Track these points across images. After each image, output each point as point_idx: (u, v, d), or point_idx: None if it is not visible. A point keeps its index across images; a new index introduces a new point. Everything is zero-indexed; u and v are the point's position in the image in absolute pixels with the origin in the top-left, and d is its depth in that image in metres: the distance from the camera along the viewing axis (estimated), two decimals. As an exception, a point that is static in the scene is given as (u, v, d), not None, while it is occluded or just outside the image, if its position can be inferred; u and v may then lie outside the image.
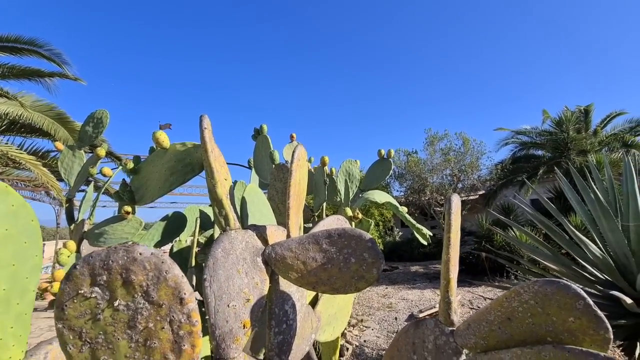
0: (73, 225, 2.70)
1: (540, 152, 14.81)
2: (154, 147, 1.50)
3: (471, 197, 13.32)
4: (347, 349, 4.84)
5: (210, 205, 3.24)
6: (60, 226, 9.89)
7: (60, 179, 6.46)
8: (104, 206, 9.91)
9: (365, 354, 4.83)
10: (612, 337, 0.67)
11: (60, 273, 2.02)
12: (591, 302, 0.68)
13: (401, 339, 1.03)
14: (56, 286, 2.05)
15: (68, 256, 2.12)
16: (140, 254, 0.40)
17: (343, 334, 5.08)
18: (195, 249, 2.40)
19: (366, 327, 6.18)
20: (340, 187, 2.59)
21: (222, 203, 1.06)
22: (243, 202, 1.42)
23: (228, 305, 0.96)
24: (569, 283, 0.71)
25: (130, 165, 1.47)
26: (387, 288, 9.64)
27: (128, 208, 2.39)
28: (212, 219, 2.98)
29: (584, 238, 3.10)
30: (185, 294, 0.42)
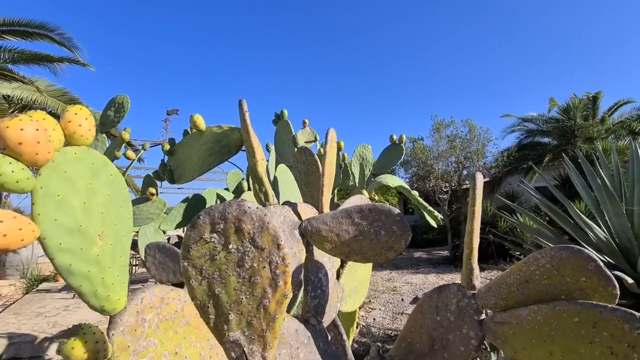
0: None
1: (546, 140, 14.76)
2: (188, 130, 1.59)
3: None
4: (357, 326, 5.03)
5: (226, 189, 3.35)
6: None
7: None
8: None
9: (372, 333, 5.03)
10: (618, 293, 0.78)
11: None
12: (601, 264, 0.78)
13: (425, 303, 1.15)
14: None
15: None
16: (249, 207, 0.50)
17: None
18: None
19: (372, 308, 6.38)
20: (355, 170, 2.68)
21: (262, 180, 1.16)
22: (275, 180, 1.51)
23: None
24: (582, 248, 0.81)
25: (167, 147, 1.56)
26: (391, 273, 9.85)
27: (153, 190, 2.51)
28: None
29: (588, 221, 3.20)
30: (281, 241, 0.52)
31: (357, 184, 2.80)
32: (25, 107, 5.90)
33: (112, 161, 2.60)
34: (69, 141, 0.62)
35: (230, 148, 1.35)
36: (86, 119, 0.60)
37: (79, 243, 0.58)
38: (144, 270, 9.67)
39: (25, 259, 9.23)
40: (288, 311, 1.32)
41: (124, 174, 2.76)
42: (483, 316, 0.99)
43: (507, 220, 10.03)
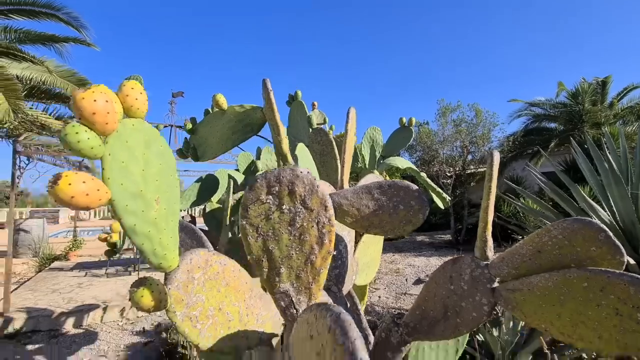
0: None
1: (552, 125, 14.63)
2: (209, 109, 1.63)
3: (480, 170, 13.40)
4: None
5: (237, 170, 3.41)
6: (79, 191, 10.21)
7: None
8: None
9: (376, 311, 5.19)
10: (625, 260, 0.84)
11: (117, 225, 2.25)
12: (611, 234, 0.84)
13: (439, 274, 1.22)
14: (115, 236, 2.28)
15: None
16: (301, 172, 0.56)
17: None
18: (230, 208, 2.59)
19: (376, 288, 6.54)
20: (365, 152, 2.72)
21: (287, 157, 1.21)
22: (295, 158, 1.57)
23: (297, 242, 1.14)
24: (592, 220, 0.87)
25: (189, 125, 1.61)
26: (394, 255, 10.02)
27: (169, 169, 2.58)
28: (240, 182, 3.15)
29: (593, 204, 3.24)
30: (328, 203, 0.58)
31: (367, 166, 2.85)
32: (33, 87, 5.92)
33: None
34: (126, 113, 0.67)
35: (252, 127, 1.40)
36: (141, 93, 0.65)
37: (141, 206, 0.64)
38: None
39: (37, 238, 9.45)
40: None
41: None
42: (495, 284, 1.06)
43: (510, 204, 10.11)
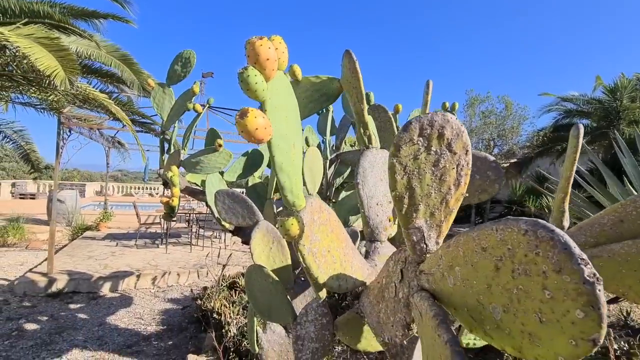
0: (167, 155, 3.06)
1: (584, 122, 14.08)
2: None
3: (503, 165, 13.14)
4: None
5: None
6: (109, 165, 10.62)
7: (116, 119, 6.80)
8: (148, 150, 10.47)
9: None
10: None
11: (177, 190, 2.38)
12: None
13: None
14: (175, 201, 2.42)
15: (172, 175, 2.47)
16: (451, 118, 0.62)
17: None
18: (274, 184, 2.68)
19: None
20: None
21: (368, 125, 1.28)
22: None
23: (377, 204, 1.22)
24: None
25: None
26: (412, 244, 10.04)
27: (220, 141, 2.69)
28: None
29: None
30: (469, 148, 0.65)
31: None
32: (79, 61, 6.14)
33: (183, 113, 2.77)
34: (272, 65, 0.75)
35: (328, 97, 1.46)
36: (285, 49, 0.72)
37: (285, 147, 0.72)
38: (180, 225, 10.23)
39: (70, 208, 9.94)
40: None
41: (192, 127, 2.94)
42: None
43: (536, 201, 9.92)
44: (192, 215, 9.02)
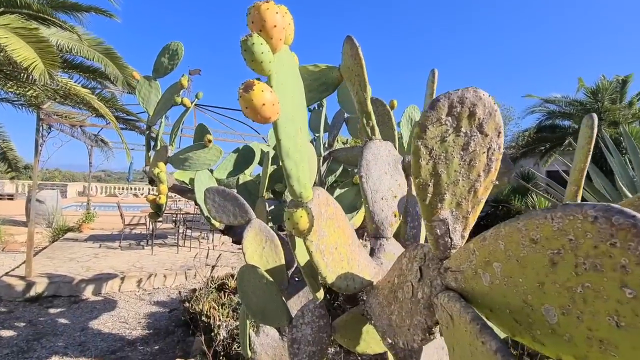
0: (153, 152, 2.92)
1: (566, 123, 14.44)
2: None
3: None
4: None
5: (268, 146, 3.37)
6: (92, 165, 10.28)
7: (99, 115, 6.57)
8: (133, 149, 10.19)
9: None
10: None
11: (164, 187, 2.26)
12: None
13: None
14: (163, 198, 2.30)
15: (159, 172, 2.35)
16: (483, 94, 0.55)
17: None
18: (267, 181, 2.59)
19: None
20: (404, 132, 2.71)
21: (371, 115, 1.21)
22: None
23: (382, 198, 1.14)
24: None
25: (255, 85, 1.60)
26: (402, 244, 10.05)
27: (210, 137, 2.58)
28: (271, 157, 3.14)
29: (628, 193, 3.23)
30: (502, 129, 0.58)
31: (405, 146, 2.83)
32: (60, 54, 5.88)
33: (170, 107, 2.65)
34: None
35: (328, 86, 1.39)
36: (292, 20, 0.64)
37: (292, 131, 0.64)
38: (166, 226, 9.98)
39: (50, 209, 9.56)
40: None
41: (180, 122, 2.82)
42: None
43: (521, 200, 10.11)
44: (179, 215, 8.80)
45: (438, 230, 0.62)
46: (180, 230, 8.45)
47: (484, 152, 0.57)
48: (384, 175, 1.17)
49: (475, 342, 0.44)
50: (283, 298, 1.77)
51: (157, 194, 2.19)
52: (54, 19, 4.05)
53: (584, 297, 0.37)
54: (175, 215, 8.85)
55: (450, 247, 0.62)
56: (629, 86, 13.14)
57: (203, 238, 8.84)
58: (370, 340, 1.60)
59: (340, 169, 3.30)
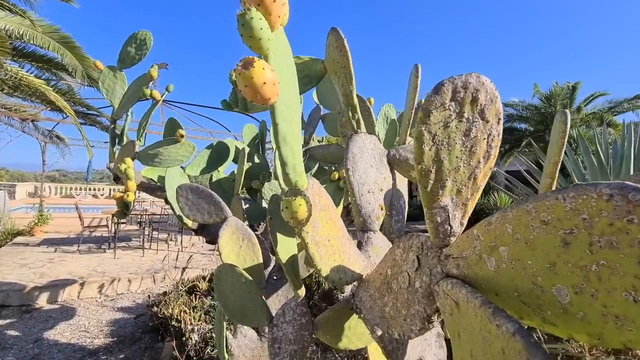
0: (119, 146, 2.74)
1: (523, 126, 15.45)
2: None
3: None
4: (341, 295, 5.28)
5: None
6: (46, 163, 9.53)
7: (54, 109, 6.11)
8: (93, 146, 9.58)
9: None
10: None
11: (132, 184, 2.12)
12: None
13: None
14: (131, 196, 2.15)
15: (126, 168, 2.21)
16: (486, 80, 0.55)
17: (336, 288, 5.48)
18: (242, 178, 2.52)
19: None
20: (381, 130, 2.75)
21: (356, 108, 1.20)
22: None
23: (368, 191, 1.14)
24: None
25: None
26: (374, 241, 10.22)
27: (183, 132, 2.46)
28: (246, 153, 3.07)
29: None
30: (501, 116, 0.58)
31: (382, 144, 2.87)
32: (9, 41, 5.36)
33: (138, 100, 2.50)
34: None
35: (311, 79, 1.36)
36: (285, 2, 0.61)
37: (289, 115, 0.60)
38: (131, 227, 9.45)
39: (-3, 211, 8.74)
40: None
41: (149, 115, 2.66)
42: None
43: (484, 198, 10.64)
44: (144, 216, 8.37)
45: (438, 218, 0.61)
46: (146, 232, 8.04)
47: (484, 139, 0.58)
48: (370, 169, 1.17)
49: (487, 326, 0.44)
50: (263, 297, 1.72)
51: (124, 191, 2.05)
52: (2, 2, 3.68)
53: (599, 274, 0.37)
54: (140, 217, 8.41)
55: (450, 235, 0.62)
56: (577, 92, 14.27)
57: (171, 240, 8.47)
58: (352, 336, 1.59)
59: (316, 167, 3.28)
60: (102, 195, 22.71)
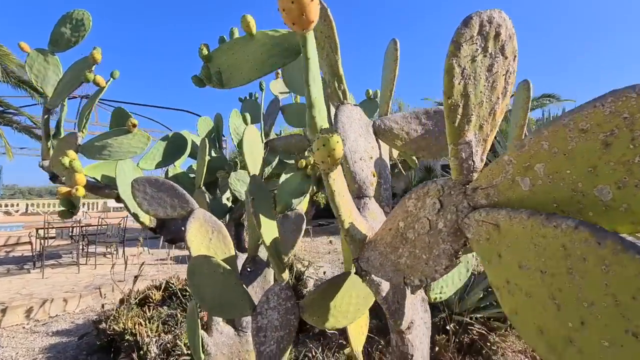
0: (57, 139, 2.39)
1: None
2: (224, 37, 1.48)
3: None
4: (309, 280, 5.28)
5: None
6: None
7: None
8: (3, 153, 8.31)
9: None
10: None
11: (82, 177, 1.88)
12: None
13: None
14: (81, 191, 1.89)
15: (71, 160, 1.94)
16: (507, 17, 0.58)
17: (303, 273, 5.47)
18: (204, 172, 2.39)
19: (320, 266, 6.73)
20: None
21: (342, 78, 1.20)
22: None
23: (360, 159, 1.15)
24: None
25: (205, 51, 1.41)
26: (329, 237, 10.39)
27: (135, 121, 2.24)
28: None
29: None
30: (517, 53, 0.62)
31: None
32: None
33: (79, 85, 2.23)
34: None
35: (291, 52, 1.32)
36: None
37: (317, 59, 0.58)
38: (61, 242, 8.35)
39: None
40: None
41: (92, 103, 2.36)
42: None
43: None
44: (77, 229, 7.46)
45: (463, 154, 0.64)
46: (81, 247, 7.17)
47: (503, 75, 0.61)
48: (359, 138, 1.18)
49: (541, 231, 0.47)
50: (244, 286, 1.64)
51: (71, 186, 1.80)
52: None
53: (642, 165, 0.42)
54: (71, 230, 7.48)
55: (473, 170, 0.65)
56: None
57: (110, 253, 7.66)
58: (338, 315, 1.60)
59: (277, 160, 3.22)
60: (16, 212, 19.82)
